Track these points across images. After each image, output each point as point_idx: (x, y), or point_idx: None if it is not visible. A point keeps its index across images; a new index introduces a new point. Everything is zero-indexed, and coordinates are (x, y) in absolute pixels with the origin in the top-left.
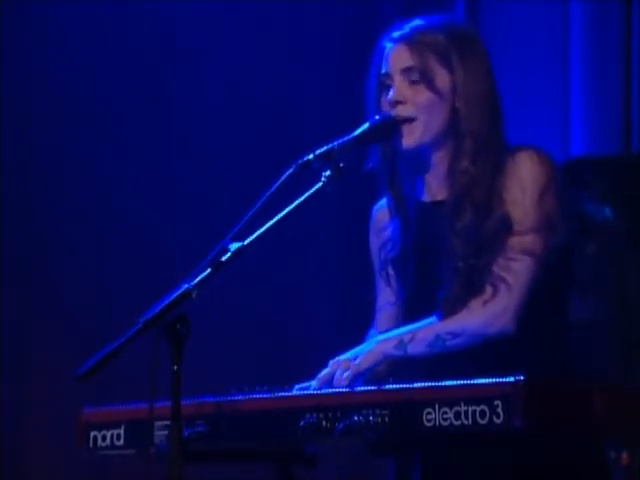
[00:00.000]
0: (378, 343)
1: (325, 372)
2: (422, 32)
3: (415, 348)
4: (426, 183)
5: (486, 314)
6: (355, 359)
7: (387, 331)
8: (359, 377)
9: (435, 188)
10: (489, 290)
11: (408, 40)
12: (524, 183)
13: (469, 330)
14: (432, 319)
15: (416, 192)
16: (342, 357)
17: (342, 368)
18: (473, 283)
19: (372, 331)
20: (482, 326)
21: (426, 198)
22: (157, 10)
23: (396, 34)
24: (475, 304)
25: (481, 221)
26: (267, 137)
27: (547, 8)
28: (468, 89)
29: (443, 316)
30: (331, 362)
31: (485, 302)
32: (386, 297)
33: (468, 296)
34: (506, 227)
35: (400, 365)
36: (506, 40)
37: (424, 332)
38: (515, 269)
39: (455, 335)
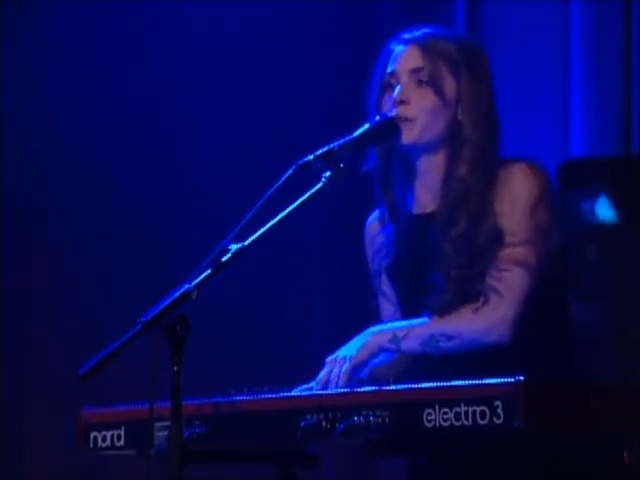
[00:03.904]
0: (373, 335)
1: (323, 372)
2: (434, 38)
3: (408, 345)
4: (416, 194)
5: (483, 322)
6: (350, 354)
7: None
8: (357, 370)
9: (425, 199)
10: (481, 299)
11: (420, 43)
12: (516, 196)
13: (465, 335)
14: (426, 319)
15: (406, 203)
16: (338, 354)
17: (339, 365)
18: (465, 292)
19: None
20: (479, 334)
21: (417, 210)
22: (158, 11)
23: (407, 36)
24: (466, 311)
25: (474, 231)
26: (268, 138)
27: (547, 8)
28: (473, 100)
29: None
30: (328, 360)
31: (476, 310)
32: (385, 308)
33: (458, 304)
34: (498, 239)
35: (403, 370)
36: (506, 40)
37: (419, 330)
38: (507, 279)
39: (449, 337)
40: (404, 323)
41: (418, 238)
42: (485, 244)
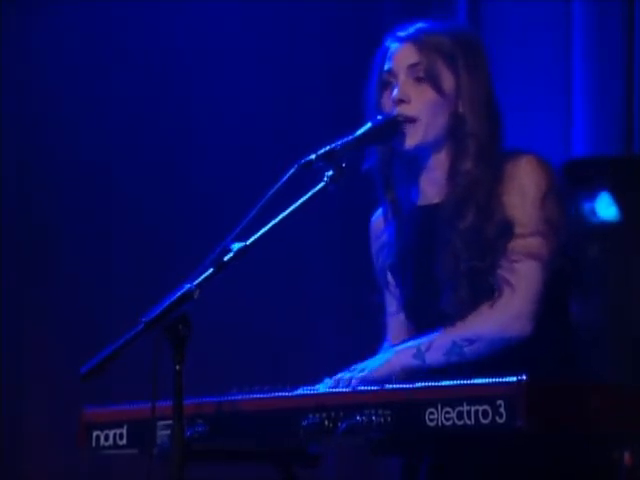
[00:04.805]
0: (396, 353)
1: (342, 375)
2: (428, 33)
3: (433, 357)
4: (421, 188)
5: (499, 319)
6: (370, 367)
7: (400, 338)
8: (369, 383)
9: (431, 192)
10: (495, 294)
11: (415, 39)
12: (525, 188)
13: (486, 336)
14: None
15: (411, 197)
16: (361, 365)
17: (356, 372)
18: (477, 285)
19: (385, 344)
20: (499, 331)
21: (422, 202)
22: (158, 12)
23: (401, 34)
24: (483, 309)
25: (482, 224)
26: (269, 137)
27: (549, 8)
28: (472, 93)
29: (450, 321)
30: (352, 367)
31: (491, 305)
32: (391, 305)
33: (473, 299)
34: (508, 230)
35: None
36: (508, 40)
37: (440, 339)
38: (519, 271)
39: (471, 341)
40: (425, 337)
41: (423, 230)
42: (495, 235)
